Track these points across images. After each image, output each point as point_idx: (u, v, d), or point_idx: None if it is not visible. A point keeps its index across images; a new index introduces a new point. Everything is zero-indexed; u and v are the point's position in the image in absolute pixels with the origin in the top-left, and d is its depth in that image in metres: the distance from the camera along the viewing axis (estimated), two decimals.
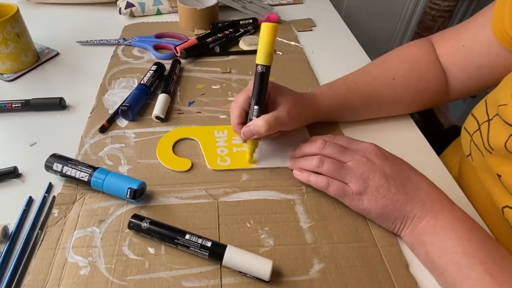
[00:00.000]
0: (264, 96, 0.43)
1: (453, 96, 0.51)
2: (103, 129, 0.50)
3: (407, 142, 0.50)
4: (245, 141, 0.45)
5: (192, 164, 0.45)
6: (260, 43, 0.41)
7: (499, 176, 0.38)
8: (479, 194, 0.44)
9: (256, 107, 0.43)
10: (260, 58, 0.41)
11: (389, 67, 0.51)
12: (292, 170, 0.44)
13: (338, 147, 0.41)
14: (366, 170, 0.38)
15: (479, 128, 0.41)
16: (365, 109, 0.51)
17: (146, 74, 0.57)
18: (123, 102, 0.53)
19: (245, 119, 0.45)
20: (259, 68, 0.42)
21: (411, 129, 0.53)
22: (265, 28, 0.40)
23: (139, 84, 0.55)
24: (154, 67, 0.59)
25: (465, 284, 0.31)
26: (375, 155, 0.39)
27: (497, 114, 0.38)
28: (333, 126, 0.52)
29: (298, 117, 0.45)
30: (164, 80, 0.58)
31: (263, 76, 0.42)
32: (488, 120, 0.40)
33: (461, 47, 0.47)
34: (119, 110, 0.51)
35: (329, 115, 0.50)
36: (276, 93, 0.45)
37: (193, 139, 0.49)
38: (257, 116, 0.43)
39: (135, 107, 0.52)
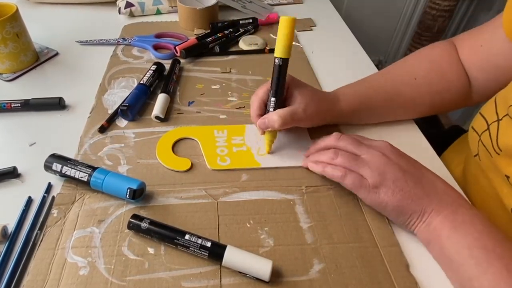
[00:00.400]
0: (282, 88, 0.44)
1: (476, 98, 0.50)
2: (102, 129, 0.50)
3: (408, 142, 0.50)
4: (263, 132, 0.46)
5: (191, 164, 0.45)
6: (279, 36, 0.41)
7: (508, 177, 0.37)
8: (487, 195, 0.43)
9: (273, 99, 0.44)
10: (278, 51, 0.42)
11: (411, 67, 0.51)
12: (302, 167, 0.44)
13: (353, 140, 0.41)
14: (383, 163, 0.38)
15: (488, 128, 0.41)
16: (387, 110, 0.50)
17: (145, 74, 0.57)
18: (122, 102, 0.52)
19: (264, 111, 0.46)
20: (277, 60, 0.42)
21: (412, 129, 0.53)
22: (283, 21, 0.41)
23: (139, 84, 0.55)
24: (153, 67, 0.59)
25: (483, 279, 0.31)
26: (390, 151, 0.39)
27: (507, 114, 0.38)
28: (334, 129, 0.51)
29: (315, 115, 0.45)
30: (164, 80, 0.58)
31: (280, 69, 0.43)
32: (498, 120, 0.40)
33: (479, 47, 0.47)
34: (119, 110, 0.51)
35: (350, 116, 0.49)
36: (294, 87, 0.45)
37: (192, 139, 0.49)
38: (274, 108, 0.44)
39: (135, 107, 0.52)
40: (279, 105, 0.44)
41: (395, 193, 0.36)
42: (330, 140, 0.42)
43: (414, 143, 0.50)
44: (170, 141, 0.48)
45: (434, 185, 0.37)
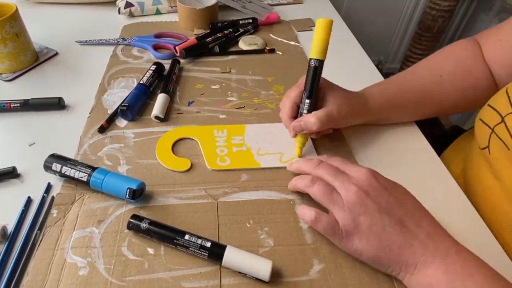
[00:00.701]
0: (316, 90, 0.44)
1: None
2: (102, 129, 0.49)
3: (408, 143, 0.50)
4: (295, 135, 0.45)
5: (191, 164, 0.45)
6: (315, 38, 0.42)
7: None
8: (491, 191, 0.42)
9: (307, 101, 0.44)
10: (314, 53, 0.42)
11: (436, 65, 0.51)
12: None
13: (332, 169, 0.37)
14: (358, 202, 0.33)
15: (503, 120, 0.39)
16: (415, 108, 0.50)
17: (145, 74, 0.57)
18: (122, 102, 0.52)
19: (296, 113, 0.45)
20: (312, 62, 0.43)
21: (412, 130, 0.52)
22: (321, 23, 0.41)
23: (138, 84, 0.55)
24: (153, 67, 0.59)
25: None
26: (369, 184, 0.34)
27: None
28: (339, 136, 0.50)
29: (348, 115, 0.45)
30: (164, 80, 0.58)
31: (316, 70, 0.43)
32: None
33: (499, 42, 0.47)
34: (118, 110, 0.51)
35: (380, 115, 0.49)
36: (326, 89, 0.45)
37: (192, 139, 0.49)
38: (309, 110, 0.43)
39: (134, 107, 0.52)
40: (313, 107, 0.44)
41: (369, 241, 0.32)
42: (309, 165, 0.40)
43: (414, 143, 0.50)
44: (169, 141, 0.48)
45: (417, 227, 0.32)
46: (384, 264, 0.33)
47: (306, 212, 0.36)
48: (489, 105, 0.42)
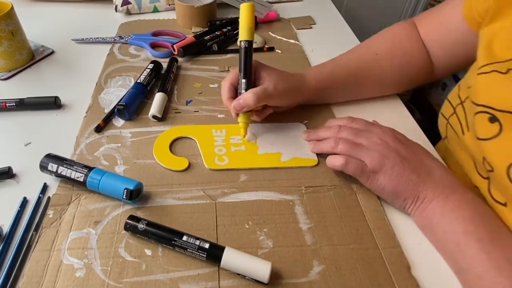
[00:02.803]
0: (250, 69, 0.46)
1: (438, 74, 0.54)
2: (98, 129, 0.49)
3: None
4: (237, 115, 0.47)
5: (189, 163, 0.45)
6: (241, 22, 0.45)
7: (472, 156, 0.40)
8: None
9: (244, 80, 0.46)
10: (242, 35, 0.45)
11: (373, 44, 0.54)
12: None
13: (353, 131, 0.43)
14: (381, 149, 0.40)
15: (454, 112, 0.44)
16: (354, 86, 0.53)
17: (142, 72, 0.57)
18: (119, 101, 0.52)
19: (234, 93, 0.47)
20: (242, 43, 0.45)
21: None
22: (244, 8, 0.45)
23: (136, 82, 0.55)
24: (150, 66, 0.58)
25: (462, 262, 0.33)
26: (390, 138, 0.41)
27: (468, 97, 0.41)
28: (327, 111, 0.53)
29: (284, 92, 0.47)
30: (161, 78, 0.57)
31: (247, 50, 0.45)
32: (462, 103, 0.43)
33: (439, 24, 0.50)
34: (115, 109, 0.50)
35: (318, 94, 0.51)
36: (261, 69, 0.48)
37: (190, 138, 0.48)
38: (246, 89, 0.45)
39: (131, 106, 0.51)
40: (250, 86, 0.46)
41: (392, 178, 0.38)
42: (330, 131, 0.44)
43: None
44: (167, 140, 0.47)
45: (431, 172, 0.38)
46: (401, 197, 0.38)
47: (334, 160, 0.41)
48: (447, 98, 0.47)
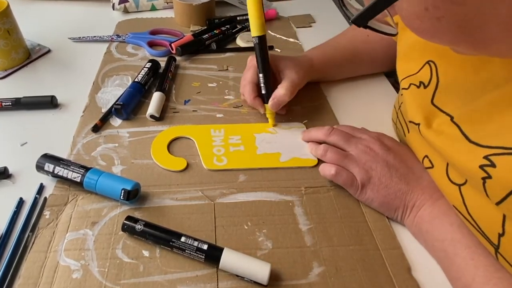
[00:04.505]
0: (268, 63, 0.48)
1: None
2: (96, 129, 0.49)
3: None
4: (264, 110, 0.49)
5: (187, 163, 0.44)
6: (250, 18, 0.46)
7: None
8: None
9: (261, 75, 0.48)
10: (253, 31, 0.47)
11: None
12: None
13: (343, 135, 0.43)
14: (369, 159, 0.40)
15: (397, 116, 0.47)
16: (349, 65, 0.57)
17: (140, 71, 0.56)
18: (116, 101, 0.51)
19: (258, 92, 0.49)
20: (255, 40, 0.47)
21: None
22: (251, 3, 0.45)
23: (133, 82, 0.54)
24: (148, 65, 0.58)
25: (451, 269, 0.33)
26: (379, 145, 0.41)
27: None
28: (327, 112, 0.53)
29: (304, 78, 0.51)
30: (159, 78, 0.57)
31: (261, 46, 0.47)
32: (400, 108, 0.46)
33: None
34: (113, 108, 0.50)
35: (322, 73, 0.55)
36: (278, 62, 0.50)
37: (189, 138, 0.48)
38: (266, 82, 0.48)
39: (129, 106, 0.51)
40: (269, 78, 0.48)
41: (379, 190, 0.38)
42: (322, 132, 0.45)
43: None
44: (165, 140, 0.47)
45: (419, 179, 0.39)
46: (391, 209, 0.39)
47: (326, 169, 0.41)
48: (394, 105, 0.50)
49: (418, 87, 0.40)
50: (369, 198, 0.39)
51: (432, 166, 0.37)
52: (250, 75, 0.49)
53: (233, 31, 0.70)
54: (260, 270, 0.33)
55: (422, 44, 0.40)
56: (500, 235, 0.29)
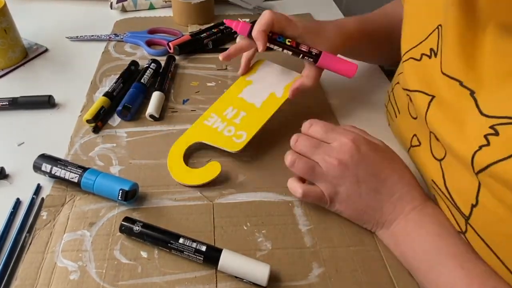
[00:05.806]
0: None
1: None
2: (96, 129, 0.48)
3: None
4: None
5: (220, 165, 0.42)
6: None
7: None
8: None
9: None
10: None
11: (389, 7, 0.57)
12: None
13: (311, 143, 0.38)
14: (337, 175, 0.36)
15: (389, 99, 0.48)
16: (386, 48, 0.54)
17: (145, 72, 0.56)
18: (120, 101, 0.50)
19: (270, 28, 0.47)
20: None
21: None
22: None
23: (137, 82, 0.54)
24: (153, 66, 0.57)
25: (440, 281, 0.32)
26: (350, 155, 0.36)
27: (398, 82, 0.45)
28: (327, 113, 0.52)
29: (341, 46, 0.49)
30: (158, 77, 0.56)
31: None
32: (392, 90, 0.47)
33: None
34: (118, 109, 0.49)
35: (348, 50, 0.52)
36: (305, 40, 0.48)
37: (196, 142, 0.46)
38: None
39: (134, 107, 0.51)
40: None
41: (348, 205, 0.37)
42: (291, 140, 0.40)
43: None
44: (179, 157, 0.44)
45: (390, 193, 0.36)
46: (361, 222, 0.38)
47: (293, 190, 0.38)
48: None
49: (419, 60, 0.38)
50: (337, 210, 0.38)
51: (420, 144, 0.38)
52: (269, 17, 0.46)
53: (232, 30, 0.70)
54: (259, 271, 0.33)
55: (431, 4, 0.38)
56: (473, 206, 0.30)
